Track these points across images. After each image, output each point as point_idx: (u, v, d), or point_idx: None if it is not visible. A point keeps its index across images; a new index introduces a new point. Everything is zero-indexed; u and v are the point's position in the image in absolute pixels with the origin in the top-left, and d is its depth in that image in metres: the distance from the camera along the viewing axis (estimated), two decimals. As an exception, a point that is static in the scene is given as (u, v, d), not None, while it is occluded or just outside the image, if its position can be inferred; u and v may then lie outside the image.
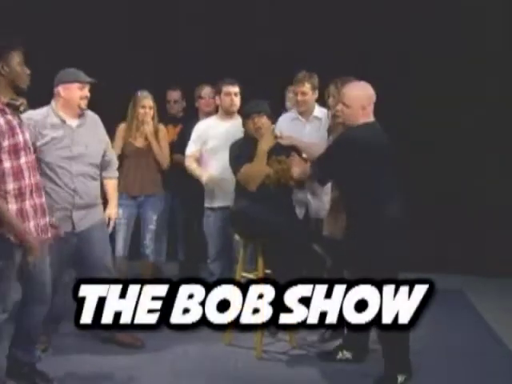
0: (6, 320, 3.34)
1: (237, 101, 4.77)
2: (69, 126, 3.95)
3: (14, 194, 3.21)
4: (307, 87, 4.62)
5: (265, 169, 4.19)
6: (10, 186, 3.20)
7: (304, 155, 4.25)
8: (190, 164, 4.83)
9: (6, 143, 3.18)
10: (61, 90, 3.95)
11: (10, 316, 3.35)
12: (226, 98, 4.75)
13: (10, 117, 3.23)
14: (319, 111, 4.70)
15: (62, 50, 5.94)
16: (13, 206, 3.21)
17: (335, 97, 4.19)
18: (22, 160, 3.25)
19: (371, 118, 3.77)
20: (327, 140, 4.36)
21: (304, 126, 4.69)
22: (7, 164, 3.19)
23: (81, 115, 4.02)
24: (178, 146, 5.18)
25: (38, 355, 3.64)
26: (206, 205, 4.85)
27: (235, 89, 4.75)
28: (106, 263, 4.11)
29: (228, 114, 4.79)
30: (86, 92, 3.99)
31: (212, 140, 4.77)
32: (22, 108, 3.34)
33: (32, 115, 3.83)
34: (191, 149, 4.86)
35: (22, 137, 3.28)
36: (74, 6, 6.32)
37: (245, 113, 4.40)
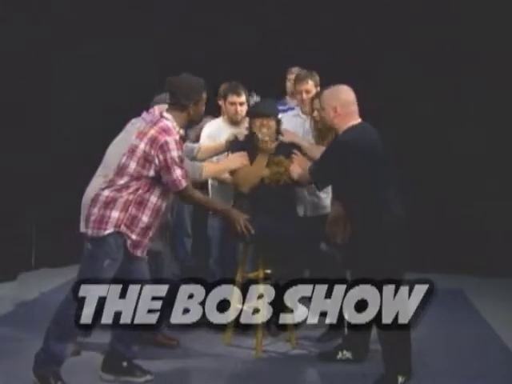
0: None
1: (242, 110, 4.60)
2: None
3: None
4: (311, 84, 4.54)
5: (262, 171, 4.17)
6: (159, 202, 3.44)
7: (306, 154, 4.23)
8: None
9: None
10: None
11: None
12: (231, 108, 4.61)
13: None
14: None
15: (57, 51, 5.94)
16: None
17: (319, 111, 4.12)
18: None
19: (356, 120, 3.75)
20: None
21: (304, 123, 4.64)
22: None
23: None
24: None
25: (136, 351, 3.65)
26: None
27: (240, 99, 4.57)
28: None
29: (232, 122, 4.67)
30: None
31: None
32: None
33: None
34: None
35: None
36: (70, 6, 6.32)
37: (253, 113, 4.31)
